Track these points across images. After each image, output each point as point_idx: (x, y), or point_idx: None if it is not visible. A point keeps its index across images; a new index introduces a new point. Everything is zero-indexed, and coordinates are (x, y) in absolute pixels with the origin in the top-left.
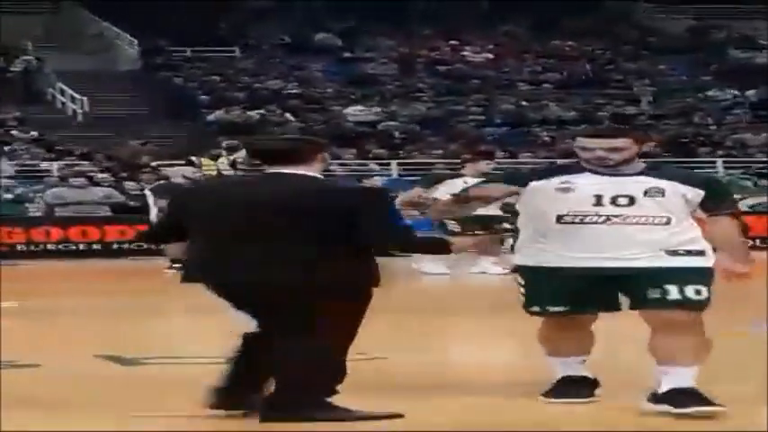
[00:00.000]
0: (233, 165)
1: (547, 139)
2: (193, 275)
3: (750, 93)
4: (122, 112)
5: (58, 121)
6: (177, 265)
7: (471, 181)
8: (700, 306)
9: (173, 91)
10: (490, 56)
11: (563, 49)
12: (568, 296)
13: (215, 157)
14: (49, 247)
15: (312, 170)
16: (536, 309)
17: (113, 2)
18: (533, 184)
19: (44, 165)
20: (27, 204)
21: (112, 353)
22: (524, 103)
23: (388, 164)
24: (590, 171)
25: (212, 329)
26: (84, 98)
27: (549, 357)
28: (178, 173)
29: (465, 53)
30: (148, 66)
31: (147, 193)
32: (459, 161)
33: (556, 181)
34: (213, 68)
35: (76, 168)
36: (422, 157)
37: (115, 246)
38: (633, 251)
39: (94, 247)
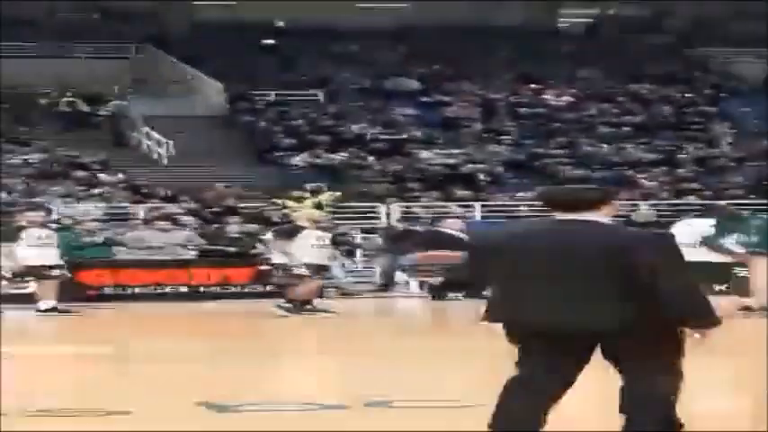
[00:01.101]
0: (318, 206)
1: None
2: (499, 317)
3: None
4: (207, 155)
5: (144, 164)
6: (287, 305)
7: None
8: None
9: (257, 134)
10: (571, 99)
11: (642, 92)
12: None
13: (299, 199)
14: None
15: (603, 216)
16: None
17: (198, 47)
18: None
19: (131, 208)
20: (114, 248)
21: (211, 399)
22: (604, 145)
23: (471, 206)
24: None
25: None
26: (170, 142)
27: None
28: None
29: (546, 96)
30: (234, 110)
31: (269, 236)
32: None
33: None
34: (297, 112)
35: (162, 211)
36: (504, 199)
37: (202, 289)
38: None
39: (181, 289)
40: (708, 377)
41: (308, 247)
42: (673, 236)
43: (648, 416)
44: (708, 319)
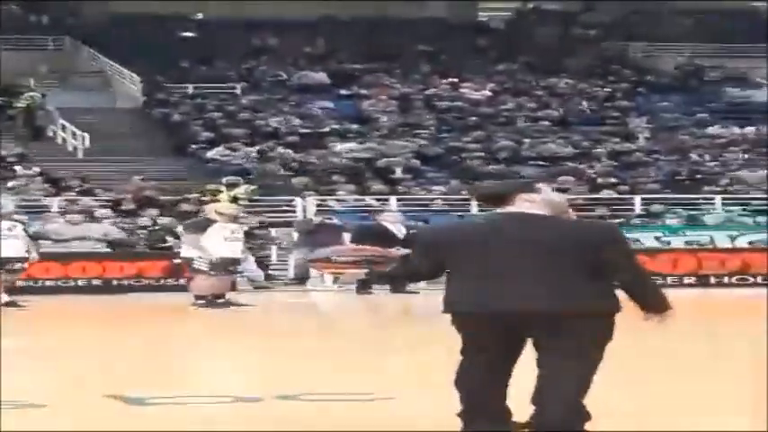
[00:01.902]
0: (234, 200)
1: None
2: (457, 308)
3: (748, 129)
4: (123, 148)
5: (59, 156)
6: (201, 302)
7: None
8: None
9: (173, 127)
10: (489, 93)
11: (560, 86)
12: None
13: (215, 193)
14: (48, 283)
15: (541, 209)
16: None
17: (115, 40)
18: None
19: (46, 200)
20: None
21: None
22: (525, 140)
23: (387, 199)
24: None
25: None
26: (86, 134)
27: None
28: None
29: (464, 90)
30: (150, 102)
31: (180, 229)
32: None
33: None
34: (214, 105)
35: (77, 205)
36: (422, 193)
37: (114, 282)
38: None
39: (94, 282)
40: None
41: (221, 241)
42: (617, 225)
43: (557, 406)
44: (663, 305)
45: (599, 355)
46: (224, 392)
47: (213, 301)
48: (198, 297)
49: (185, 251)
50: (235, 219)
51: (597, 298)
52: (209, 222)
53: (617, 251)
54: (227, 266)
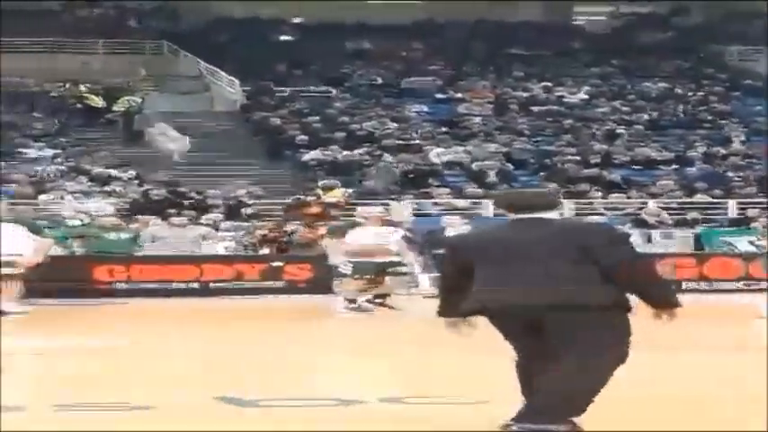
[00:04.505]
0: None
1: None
2: (485, 309)
3: None
4: (220, 151)
5: (157, 160)
6: (354, 306)
7: None
8: None
9: (270, 131)
10: (583, 96)
11: (655, 90)
12: None
13: (323, 192)
14: (148, 285)
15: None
16: None
17: (213, 43)
18: None
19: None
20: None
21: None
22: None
23: (480, 202)
24: None
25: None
26: (185, 138)
27: None
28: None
29: (558, 94)
30: (247, 106)
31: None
32: None
33: None
34: (310, 108)
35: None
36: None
37: (212, 285)
38: None
39: (192, 286)
40: None
41: (366, 244)
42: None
43: (544, 404)
44: (673, 302)
45: (607, 353)
46: (331, 395)
47: (361, 304)
48: (348, 300)
49: (331, 255)
50: (382, 222)
51: (600, 297)
52: (355, 225)
53: (620, 251)
54: (371, 270)
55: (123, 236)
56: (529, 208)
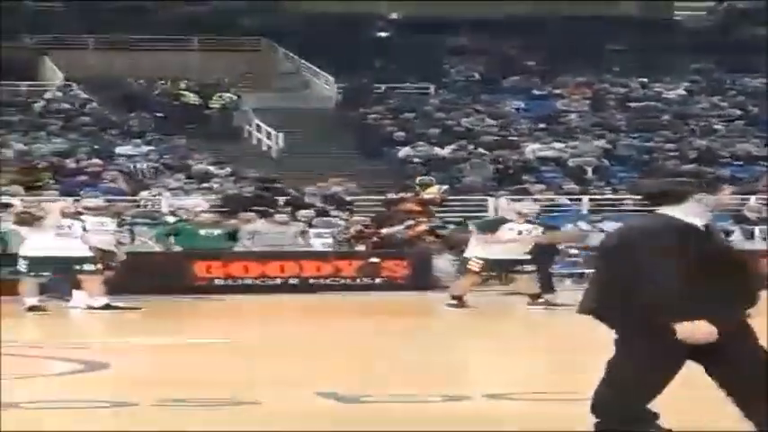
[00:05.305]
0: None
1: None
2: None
3: None
4: (317, 147)
5: (253, 157)
6: (453, 302)
7: None
8: None
9: (367, 127)
10: (682, 92)
11: (755, 85)
12: None
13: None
14: (247, 281)
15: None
16: None
17: (310, 40)
18: None
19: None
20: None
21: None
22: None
23: (579, 199)
24: None
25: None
26: (280, 134)
27: None
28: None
29: (657, 89)
30: (344, 102)
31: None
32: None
33: None
34: (407, 105)
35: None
36: (610, 193)
37: (311, 281)
38: None
39: (291, 282)
40: None
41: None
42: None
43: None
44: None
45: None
46: (434, 391)
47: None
48: (454, 297)
49: (470, 249)
50: (527, 219)
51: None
52: (503, 221)
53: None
54: (502, 268)
55: (220, 232)
56: (658, 197)
